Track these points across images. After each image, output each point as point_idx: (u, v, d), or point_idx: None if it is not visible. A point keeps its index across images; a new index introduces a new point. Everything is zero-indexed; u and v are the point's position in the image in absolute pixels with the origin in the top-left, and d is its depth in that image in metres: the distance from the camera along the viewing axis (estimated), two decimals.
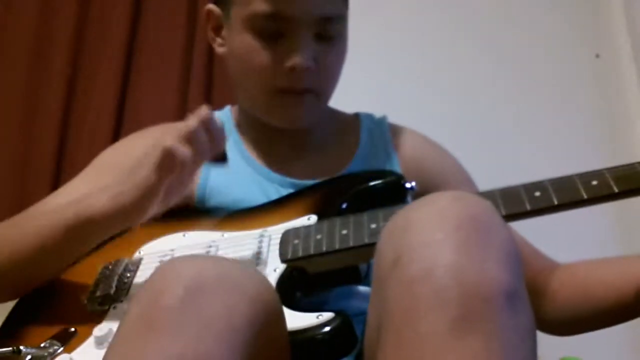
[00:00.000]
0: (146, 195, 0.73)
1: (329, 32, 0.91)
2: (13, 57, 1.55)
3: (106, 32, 1.57)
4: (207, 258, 0.62)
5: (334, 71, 0.95)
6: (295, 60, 0.87)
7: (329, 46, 0.92)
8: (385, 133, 1.02)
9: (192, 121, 0.74)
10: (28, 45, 1.55)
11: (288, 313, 0.67)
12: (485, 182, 0.99)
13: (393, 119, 1.07)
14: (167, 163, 0.72)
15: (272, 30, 0.88)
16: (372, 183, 0.86)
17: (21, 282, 0.83)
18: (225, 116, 1.04)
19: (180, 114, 1.52)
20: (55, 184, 1.44)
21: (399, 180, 0.86)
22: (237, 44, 0.92)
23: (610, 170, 0.70)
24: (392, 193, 0.85)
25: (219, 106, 1.08)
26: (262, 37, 0.89)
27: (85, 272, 0.83)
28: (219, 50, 0.98)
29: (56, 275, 0.83)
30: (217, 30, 0.98)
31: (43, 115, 1.51)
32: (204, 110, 0.75)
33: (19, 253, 0.80)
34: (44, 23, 1.57)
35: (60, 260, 0.82)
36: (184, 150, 0.72)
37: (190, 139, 0.73)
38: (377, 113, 1.07)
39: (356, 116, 1.06)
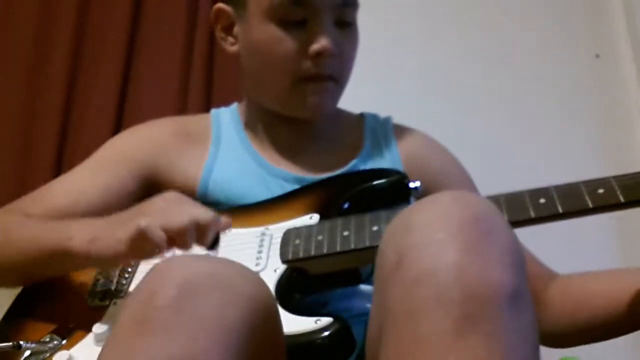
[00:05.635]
0: (112, 258, 0.73)
1: (347, 18, 0.93)
2: (13, 57, 1.55)
3: (106, 32, 1.57)
4: (201, 258, 0.62)
5: (351, 57, 0.96)
6: (322, 43, 0.88)
7: (346, 32, 0.93)
8: (389, 133, 1.02)
9: (187, 219, 0.72)
10: (28, 45, 1.55)
11: (286, 317, 0.67)
12: (484, 182, 0.99)
13: (392, 118, 1.07)
14: (138, 241, 0.70)
15: (295, 17, 0.89)
16: (376, 182, 0.86)
17: (19, 279, 0.85)
18: (232, 112, 1.04)
19: (180, 114, 1.51)
20: None
21: (403, 179, 0.86)
22: (257, 35, 0.91)
23: (617, 178, 0.67)
24: (396, 192, 0.85)
25: (218, 106, 1.08)
26: (285, 25, 0.89)
27: None
28: (231, 49, 0.98)
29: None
30: (228, 29, 0.97)
31: (43, 115, 1.51)
32: (225, 220, 0.76)
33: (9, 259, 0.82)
34: (44, 23, 1.57)
35: (43, 273, 0.83)
36: (159, 236, 0.70)
37: (181, 233, 0.71)
38: (382, 113, 1.07)
39: (361, 116, 1.06)
